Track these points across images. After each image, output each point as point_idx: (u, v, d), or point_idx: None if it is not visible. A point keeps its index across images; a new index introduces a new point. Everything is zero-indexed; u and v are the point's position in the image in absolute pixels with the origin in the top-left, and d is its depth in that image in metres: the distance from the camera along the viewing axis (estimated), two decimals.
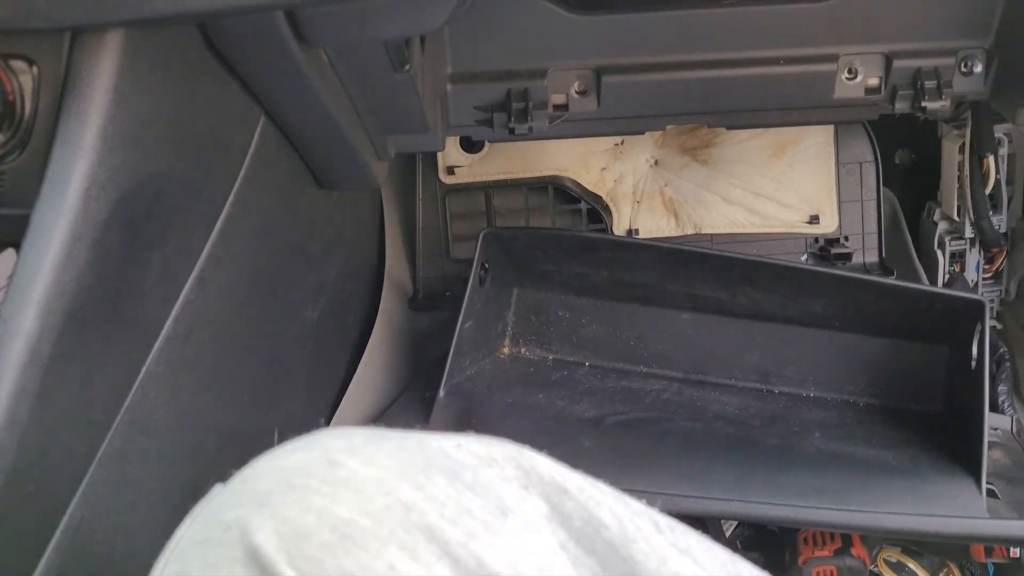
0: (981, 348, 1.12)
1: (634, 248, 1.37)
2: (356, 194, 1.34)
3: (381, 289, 1.50)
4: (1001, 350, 1.46)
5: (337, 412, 1.31)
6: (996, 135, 1.33)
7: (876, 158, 1.53)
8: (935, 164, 1.48)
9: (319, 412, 1.27)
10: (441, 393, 1.31)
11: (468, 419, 1.28)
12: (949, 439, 1.19)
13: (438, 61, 1.13)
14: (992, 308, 1.49)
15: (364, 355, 1.39)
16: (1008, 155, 1.38)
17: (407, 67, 0.90)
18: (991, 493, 1.07)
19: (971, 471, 1.09)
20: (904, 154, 1.56)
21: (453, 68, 1.18)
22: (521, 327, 1.50)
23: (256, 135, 0.90)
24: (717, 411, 1.32)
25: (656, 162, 1.60)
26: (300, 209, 1.08)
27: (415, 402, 1.35)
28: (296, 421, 1.18)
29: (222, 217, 0.86)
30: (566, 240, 1.38)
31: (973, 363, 1.16)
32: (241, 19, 0.73)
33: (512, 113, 1.17)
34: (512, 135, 1.19)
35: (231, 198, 0.88)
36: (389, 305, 1.50)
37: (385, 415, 1.34)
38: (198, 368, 0.89)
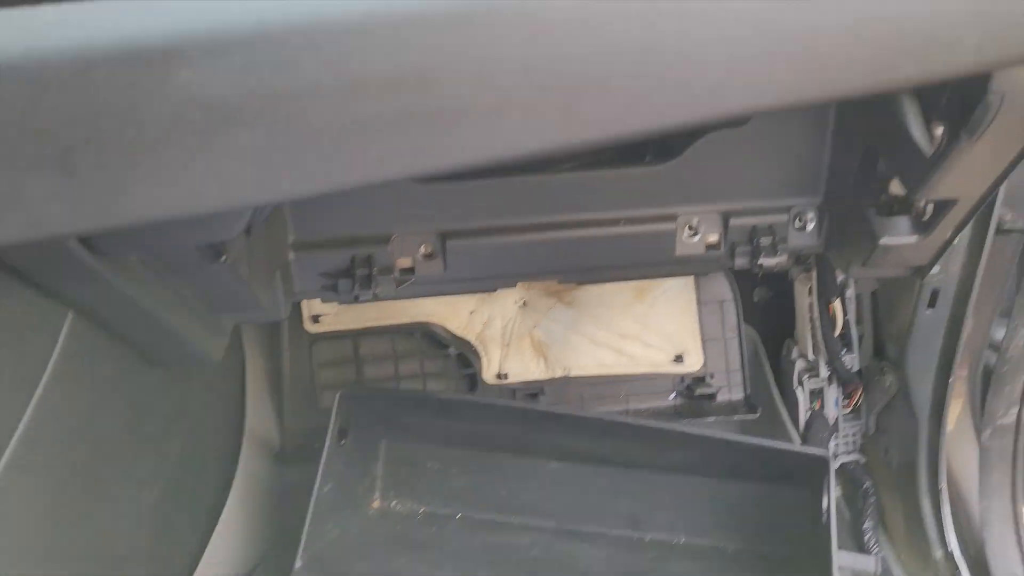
0: (828, 503, 1.13)
1: (493, 409, 1.36)
2: None
3: (241, 448, 1.44)
4: (865, 485, 1.48)
5: None
6: (841, 277, 1.37)
7: (735, 297, 1.56)
8: (792, 301, 1.52)
9: None
10: (298, 564, 1.25)
11: None
12: None
13: (277, 231, 1.12)
14: (855, 441, 1.51)
15: (218, 524, 1.33)
16: (856, 295, 1.42)
17: (223, 257, 0.88)
18: None
19: None
20: (762, 292, 1.60)
21: (295, 237, 1.16)
22: (391, 479, 1.46)
23: (63, 334, 0.86)
24: (583, 569, 1.29)
25: (524, 303, 1.60)
26: (127, 394, 1.04)
27: (273, 574, 1.29)
28: None
29: (19, 430, 0.81)
30: (425, 402, 1.36)
31: (824, 516, 1.16)
32: (37, 244, 0.71)
33: (356, 280, 1.16)
34: (357, 301, 1.17)
35: (33, 403, 0.83)
36: (250, 464, 1.45)
37: None
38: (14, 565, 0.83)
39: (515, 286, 1.27)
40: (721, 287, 1.56)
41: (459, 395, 1.51)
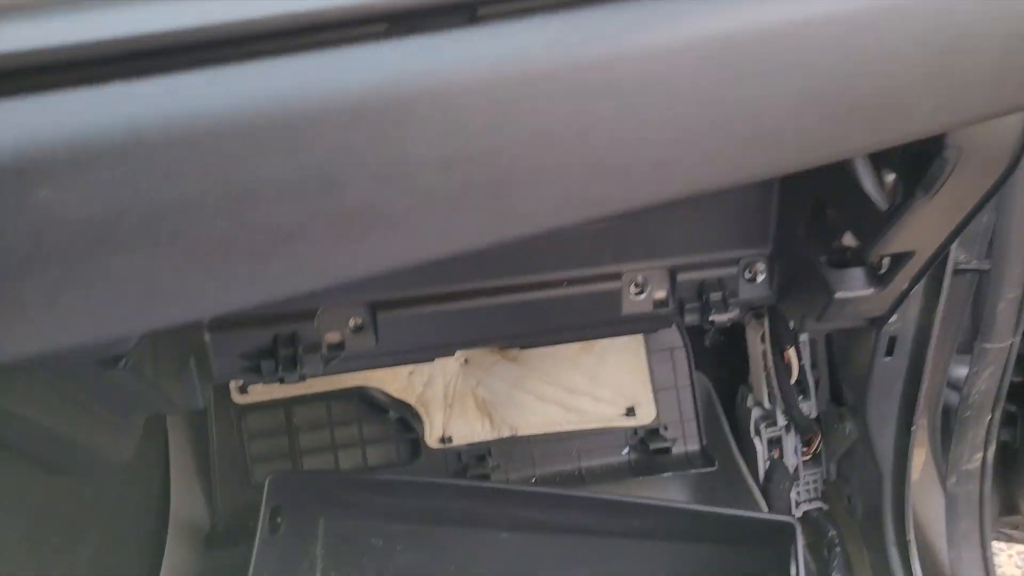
0: (796, 571, 1.06)
1: (436, 487, 1.27)
2: None
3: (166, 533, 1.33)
4: (830, 534, 1.42)
5: None
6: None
7: (686, 343, 1.50)
8: (745, 344, 1.46)
9: None
10: None
11: None
12: None
13: None
14: (816, 488, 1.46)
15: None
16: (810, 339, 1.37)
17: (123, 362, 0.78)
18: None
19: None
20: (714, 336, 1.54)
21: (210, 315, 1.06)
22: (331, 560, 1.36)
23: None
24: None
25: (466, 361, 1.52)
26: (24, 504, 0.93)
27: None
28: None
29: None
30: (364, 484, 1.26)
31: None
32: None
33: (280, 360, 1.06)
34: (283, 383, 1.07)
35: None
36: (177, 552, 1.33)
37: None
38: None
39: (454, 354, 1.19)
40: (671, 334, 1.50)
41: (400, 476, 1.42)
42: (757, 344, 1.37)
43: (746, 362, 1.49)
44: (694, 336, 1.51)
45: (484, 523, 1.32)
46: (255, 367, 1.08)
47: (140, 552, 1.28)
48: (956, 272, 1.14)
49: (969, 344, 1.25)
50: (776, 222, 1.11)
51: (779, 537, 1.15)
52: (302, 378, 1.07)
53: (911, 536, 1.25)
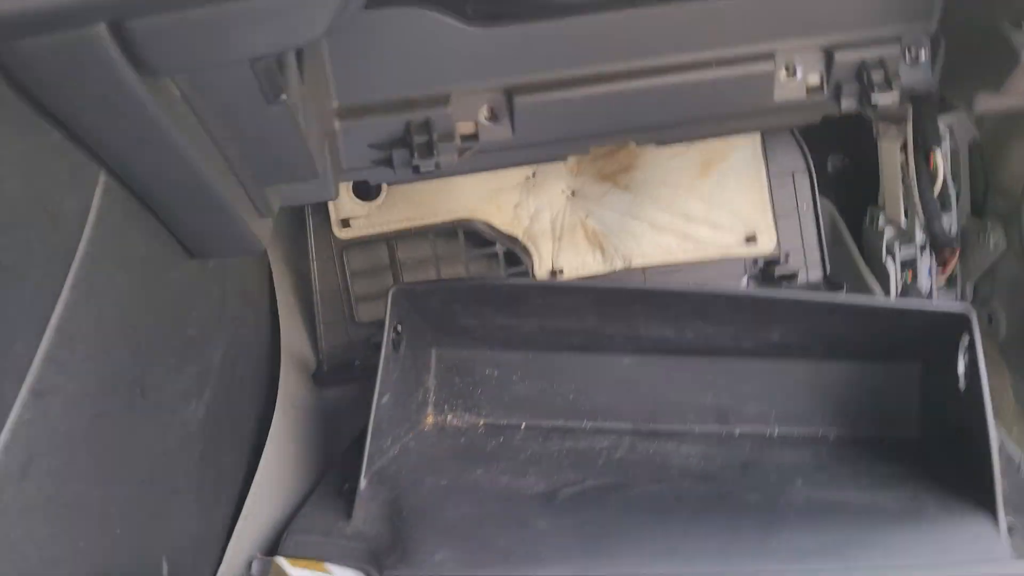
0: (975, 366, 1.00)
1: (566, 292, 1.21)
2: (238, 260, 1.14)
3: (279, 367, 1.29)
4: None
5: (240, 521, 1.09)
6: (940, 128, 1.23)
7: (809, 166, 1.42)
8: (872, 168, 1.37)
9: (217, 527, 1.05)
10: (363, 484, 1.11)
11: (398, 511, 1.08)
12: (942, 469, 1.06)
13: (320, 93, 0.95)
14: None
15: (266, 448, 1.17)
16: (952, 150, 1.28)
17: (283, 96, 0.71)
18: (1012, 530, 0.93)
19: (984, 507, 0.95)
20: (837, 159, 1.46)
21: (340, 101, 0.99)
22: (444, 392, 1.31)
23: (96, 198, 0.70)
24: (680, 466, 1.16)
25: (573, 193, 1.45)
26: (167, 287, 0.88)
27: (332, 497, 1.14)
28: (189, 543, 0.96)
29: (58, 309, 0.66)
30: (488, 291, 1.20)
31: (961, 382, 1.03)
32: (51, 42, 0.54)
33: (414, 148, 1.00)
34: (417, 174, 1.01)
35: (68, 283, 0.67)
36: (290, 385, 1.29)
37: (299, 516, 1.13)
38: (46, 509, 0.68)
39: (588, 152, 1.12)
40: (792, 157, 1.42)
41: (531, 281, 1.35)
42: (894, 154, 1.28)
43: (871, 187, 1.40)
44: (816, 160, 1.43)
45: (604, 348, 1.26)
46: (387, 159, 1.02)
47: (257, 378, 1.24)
48: None
49: None
50: None
51: (935, 340, 1.08)
52: (438, 167, 1.01)
53: None
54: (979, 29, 0.98)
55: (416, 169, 1.00)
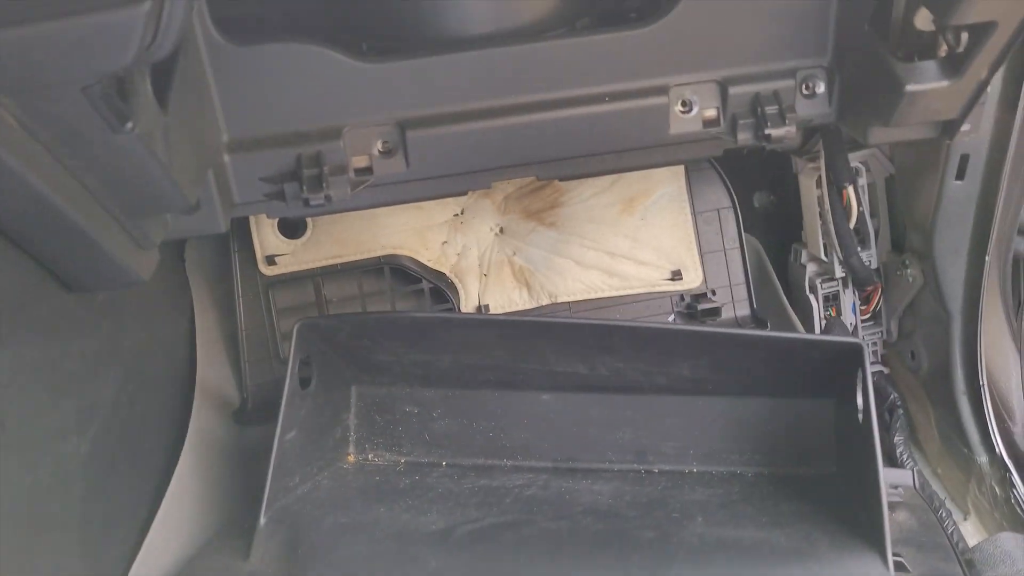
0: (866, 397, 0.98)
1: (471, 325, 1.20)
2: (145, 293, 1.13)
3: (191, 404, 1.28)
4: (891, 396, 1.34)
5: (137, 560, 1.08)
6: (852, 164, 1.23)
7: (734, 203, 1.41)
8: (796, 203, 1.37)
9: (109, 566, 1.03)
10: (262, 521, 1.09)
11: (294, 549, 1.06)
12: (844, 505, 1.04)
13: (205, 125, 0.95)
14: (876, 351, 1.37)
15: (171, 485, 1.16)
16: (868, 184, 1.28)
17: (129, 125, 0.71)
18: (899, 566, 0.91)
19: (873, 543, 0.93)
20: (762, 196, 1.46)
21: (230, 135, 1.00)
22: (365, 430, 1.29)
23: None
24: (587, 504, 1.14)
25: (501, 230, 1.45)
26: (37, 321, 0.87)
27: (234, 536, 1.12)
28: None
29: None
30: (396, 324, 1.19)
31: (860, 415, 1.02)
32: None
33: (304, 181, 1.00)
34: (308, 207, 1.01)
35: None
36: (203, 422, 1.28)
37: (199, 555, 1.11)
38: None
39: (488, 186, 1.12)
40: (718, 194, 1.42)
41: (439, 313, 1.35)
42: (812, 189, 1.28)
43: (796, 225, 1.40)
44: (741, 198, 1.43)
45: (523, 384, 1.25)
46: (278, 192, 1.02)
47: (163, 413, 1.23)
48: None
49: None
50: (836, 24, 1.02)
51: (840, 373, 1.07)
52: (328, 201, 1.01)
53: (983, 380, 1.16)
54: (870, 63, 0.98)
55: (307, 202, 1.00)
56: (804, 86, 1.05)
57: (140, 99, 0.73)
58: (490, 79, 1.02)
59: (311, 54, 0.98)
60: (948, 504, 1.20)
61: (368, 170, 1.03)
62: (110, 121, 0.70)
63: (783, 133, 1.03)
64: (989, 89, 0.96)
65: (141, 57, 0.61)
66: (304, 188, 0.99)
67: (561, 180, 1.31)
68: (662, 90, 1.04)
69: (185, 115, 0.86)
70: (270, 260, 1.41)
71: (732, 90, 1.04)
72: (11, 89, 0.61)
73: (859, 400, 1.01)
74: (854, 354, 1.00)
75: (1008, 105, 1.04)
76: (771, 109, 1.03)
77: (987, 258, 1.11)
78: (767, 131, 1.03)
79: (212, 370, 1.36)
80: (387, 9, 1.03)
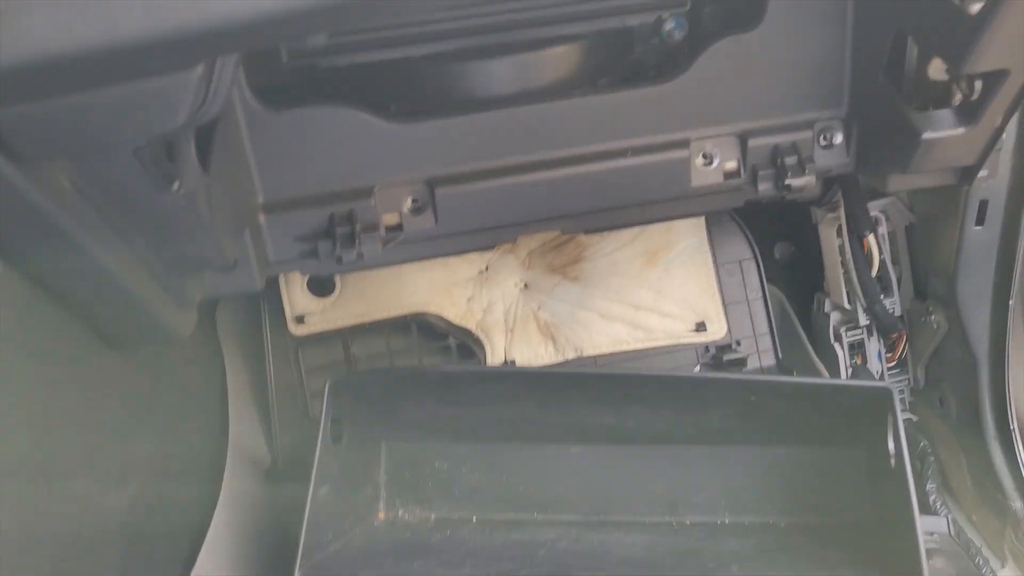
0: (897, 441, 0.98)
1: (501, 378, 1.22)
2: (175, 353, 1.16)
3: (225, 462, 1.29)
4: (921, 444, 1.33)
5: None
6: (872, 213, 1.25)
7: (755, 254, 1.43)
8: (817, 254, 1.39)
9: None
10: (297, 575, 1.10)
11: None
12: (881, 553, 1.03)
13: (241, 187, 0.99)
14: (903, 399, 1.37)
15: (204, 544, 1.17)
16: (889, 233, 1.29)
17: (176, 185, 0.75)
18: None
19: None
20: (783, 247, 1.47)
21: (265, 197, 1.03)
22: (395, 486, 1.30)
23: None
24: (621, 556, 1.14)
25: (526, 285, 1.47)
26: (83, 376, 0.89)
27: None
28: None
29: None
30: (425, 378, 1.21)
31: (892, 460, 1.02)
32: None
33: (337, 239, 1.03)
34: (341, 265, 1.03)
35: None
36: (236, 481, 1.29)
37: None
38: None
39: (514, 240, 1.14)
40: (739, 245, 1.43)
41: (468, 366, 1.36)
42: (832, 239, 1.30)
43: (818, 274, 1.41)
44: (763, 249, 1.44)
45: (553, 437, 1.26)
46: (312, 250, 1.05)
47: (198, 470, 1.24)
48: None
49: None
50: (851, 76, 1.05)
51: (870, 420, 1.07)
52: (361, 258, 1.03)
53: (1015, 425, 1.16)
54: (886, 113, 1.00)
55: (340, 260, 1.03)
56: (822, 137, 1.08)
57: (185, 160, 0.77)
58: (515, 137, 1.05)
59: (342, 117, 1.02)
60: (985, 551, 1.19)
61: (399, 227, 1.06)
62: (159, 181, 0.73)
63: (803, 183, 1.06)
64: (1005, 135, 0.99)
65: (191, 120, 0.64)
66: (337, 246, 1.02)
67: (586, 233, 1.33)
68: (683, 144, 1.07)
69: (224, 176, 0.90)
70: (299, 319, 1.43)
71: (751, 142, 1.07)
72: (70, 152, 0.64)
73: (891, 445, 1.02)
74: (883, 398, 1.01)
75: (1022, 149, 1.06)
76: (790, 160, 1.06)
77: (1011, 302, 1.12)
78: (787, 182, 1.05)
79: (244, 428, 1.38)
80: (415, 73, 1.07)
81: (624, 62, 1.13)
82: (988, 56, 0.85)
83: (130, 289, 0.83)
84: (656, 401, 1.17)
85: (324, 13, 0.52)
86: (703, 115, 1.06)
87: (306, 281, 1.42)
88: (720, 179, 1.08)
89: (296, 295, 1.42)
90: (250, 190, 1.01)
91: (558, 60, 1.08)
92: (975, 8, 0.81)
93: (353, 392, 1.20)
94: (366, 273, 1.39)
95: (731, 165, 1.08)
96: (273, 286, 1.42)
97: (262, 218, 1.03)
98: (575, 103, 1.05)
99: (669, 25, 1.10)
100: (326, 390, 1.16)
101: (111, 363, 0.95)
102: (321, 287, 1.43)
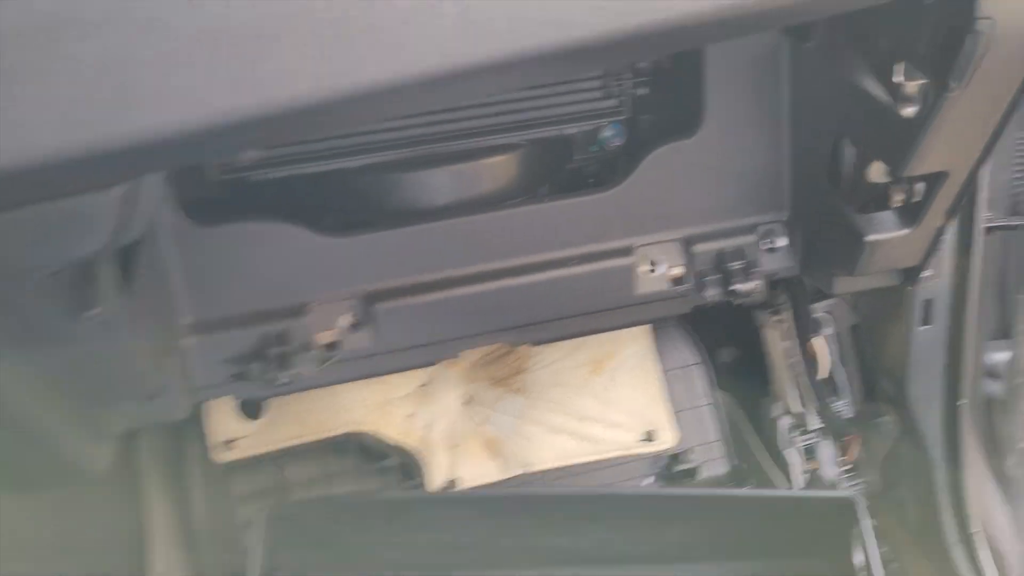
0: (868, 552, 0.94)
1: (448, 503, 1.15)
2: (89, 489, 1.06)
3: None
4: (883, 551, 1.29)
5: None
6: (817, 315, 1.24)
7: (703, 359, 1.41)
8: (761, 356, 1.37)
9: None
10: None
11: None
12: None
13: (169, 309, 0.93)
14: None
15: None
16: (836, 334, 1.28)
17: (94, 310, 0.68)
18: None
19: None
20: (728, 352, 1.45)
21: (193, 317, 0.97)
22: None
23: None
24: None
25: (470, 399, 1.41)
26: None
27: None
28: None
29: None
30: (366, 507, 1.14)
31: (862, 573, 0.97)
32: None
33: (271, 360, 0.96)
34: (274, 387, 0.97)
35: None
36: None
37: None
38: None
39: (457, 356, 1.09)
40: (686, 351, 1.41)
41: (413, 492, 1.29)
42: (778, 343, 1.28)
43: (766, 376, 1.39)
44: (708, 352, 1.42)
45: (505, 562, 1.19)
46: (243, 373, 0.98)
47: None
48: (987, 230, 1.08)
49: (1003, 330, 1.18)
50: (792, 179, 1.05)
51: (833, 531, 1.03)
52: (297, 379, 0.97)
53: (977, 528, 1.13)
54: (828, 215, 1.00)
55: (273, 382, 0.96)
56: (765, 241, 1.07)
57: (104, 283, 0.71)
58: (455, 248, 1.02)
59: (274, 231, 0.97)
60: None
61: (336, 345, 1.01)
62: (74, 306, 0.67)
63: (750, 288, 1.04)
64: (946, 234, 0.99)
65: (111, 242, 0.58)
66: (270, 367, 0.96)
67: (533, 345, 1.29)
68: (627, 251, 1.05)
69: (147, 297, 0.84)
70: (227, 444, 1.35)
71: (696, 248, 1.06)
72: None
73: (857, 557, 0.97)
74: (848, 509, 0.97)
75: (963, 249, 1.07)
76: (736, 265, 1.05)
77: (962, 401, 1.10)
78: (734, 287, 1.04)
79: (165, 567, 1.27)
80: (350, 185, 1.03)
81: (563, 170, 1.12)
82: (927, 160, 0.85)
83: (37, 423, 0.75)
84: (612, 519, 1.11)
85: (247, 131, 0.48)
86: (645, 222, 1.05)
87: (239, 403, 1.35)
88: (666, 286, 1.06)
89: (223, 418, 1.34)
90: (176, 310, 0.95)
91: (496, 170, 1.06)
92: (910, 112, 0.82)
93: (289, 523, 1.12)
94: (299, 392, 1.32)
95: (677, 271, 1.06)
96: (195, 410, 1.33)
97: (189, 340, 0.96)
98: (515, 213, 1.02)
99: (607, 133, 1.10)
100: (262, 523, 1.07)
101: (13, 508, 0.86)
102: (251, 409, 1.35)
